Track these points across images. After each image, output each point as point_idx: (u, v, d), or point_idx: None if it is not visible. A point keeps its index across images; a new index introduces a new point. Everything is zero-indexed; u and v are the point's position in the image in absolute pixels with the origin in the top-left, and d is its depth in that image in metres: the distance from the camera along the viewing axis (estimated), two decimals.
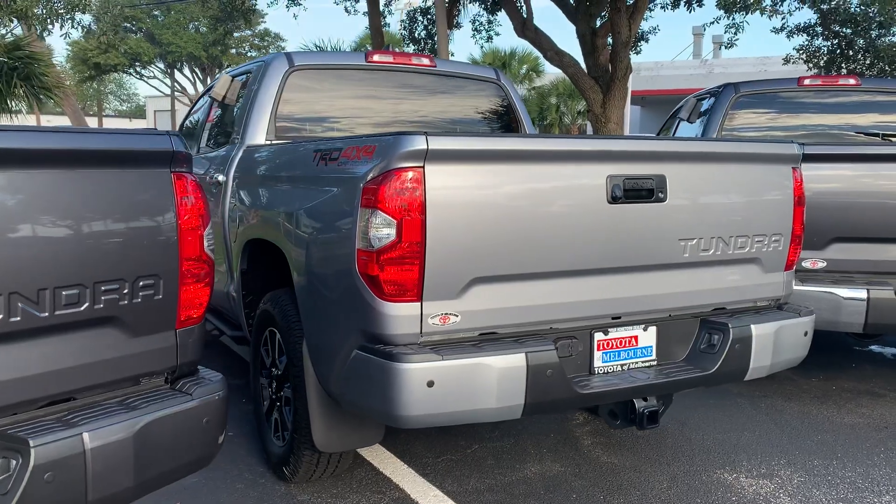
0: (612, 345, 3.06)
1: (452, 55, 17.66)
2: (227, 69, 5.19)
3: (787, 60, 15.74)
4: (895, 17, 13.40)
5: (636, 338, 3.11)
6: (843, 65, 14.82)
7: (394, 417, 2.65)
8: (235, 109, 4.55)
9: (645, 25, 17.12)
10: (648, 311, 3.10)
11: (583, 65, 13.88)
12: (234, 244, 3.95)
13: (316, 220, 3.04)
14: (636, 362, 3.12)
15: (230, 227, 4.03)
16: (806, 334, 3.37)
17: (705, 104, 6.18)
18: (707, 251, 3.13)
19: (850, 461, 3.75)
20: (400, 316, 2.62)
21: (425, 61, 4.78)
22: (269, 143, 4.10)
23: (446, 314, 2.68)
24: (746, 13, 13.41)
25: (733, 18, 13.93)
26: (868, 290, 4.06)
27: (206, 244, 2.30)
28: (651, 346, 3.14)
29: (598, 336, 3.03)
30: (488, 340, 2.76)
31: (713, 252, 3.15)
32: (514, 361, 2.68)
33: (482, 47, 17.63)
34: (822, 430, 4.16)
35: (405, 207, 2.56)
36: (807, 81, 5.87)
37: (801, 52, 15.51)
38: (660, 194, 2.98)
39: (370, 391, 2.69)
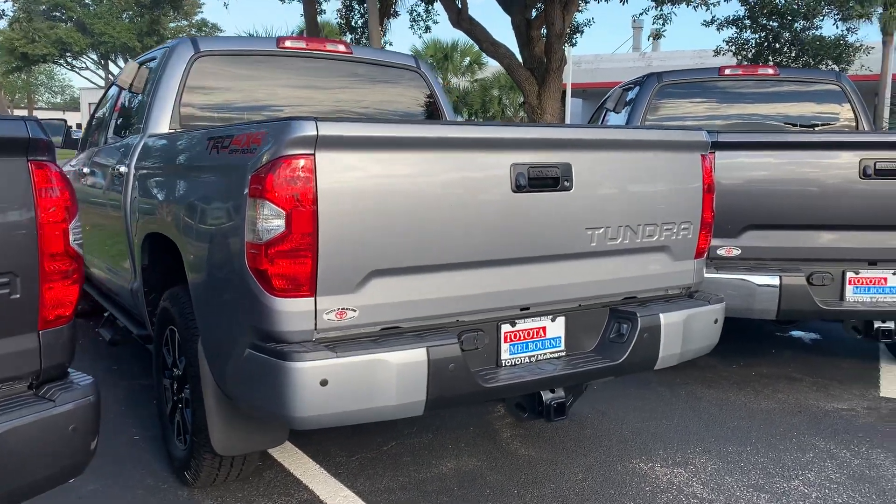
0: (520, 336, 3.00)
1: (390, 45, 17.48)
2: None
3: (717, 52, 16.07)
4: (818, 9, 13.79)
5: (544, 329, 3.04)
6: (770, 57, 15.19)
7: (288, 419, 2.53)
8: (141, 97, 4.34)
9: (581, 17, 17.26)
10: (556, 302, 3.04)
11: (519, 57, 13.89)
12: (136, 238, 3.76)
13: (206, 212, 2.89)
14: (544, 354, 3.05)
15: (132, 220, 3.83)
16: (716, 322, 3.36)
17: (630, 94, 6.20)
18: (615, 240, 3.08)
19: (764, 447, 3.78)
20: (292, 312, 2.50)
21: (341, 48, 4.64)
22: (171, 132, 3.92)
23: (343, 309, 2.57)
24: (674, 5, 13.61)
25: (661, 10, 14.12)
26: (781, 276, 4.10)
27: (72, 238, 2.14)
28: (560, 337, 3.08)
29: (506, 328, 2.95)
30: (389, 335, 2.66)
31: (621, 241, 3.10)
32: (414, 357, 2.59)
33: (421, 37, 17.41)
34: (739, 417, 4.19)
35: (295, 197, 2.43)
36: (727, 71, 5.95)
37: (730, 44, 15.84)
38: (565, 182, 2.90)
39: (263, 391, 2.56)
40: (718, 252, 4.14)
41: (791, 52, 15.09)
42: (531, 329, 3.01)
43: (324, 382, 2.45)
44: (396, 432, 3.93)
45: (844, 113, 5.88)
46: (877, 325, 4.08)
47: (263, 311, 2.51)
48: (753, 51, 15.44)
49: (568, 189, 2.91)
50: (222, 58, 4.24)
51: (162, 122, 3.96)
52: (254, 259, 2.51)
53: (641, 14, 14.61)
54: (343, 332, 2.59)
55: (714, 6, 13.86)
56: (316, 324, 2.53)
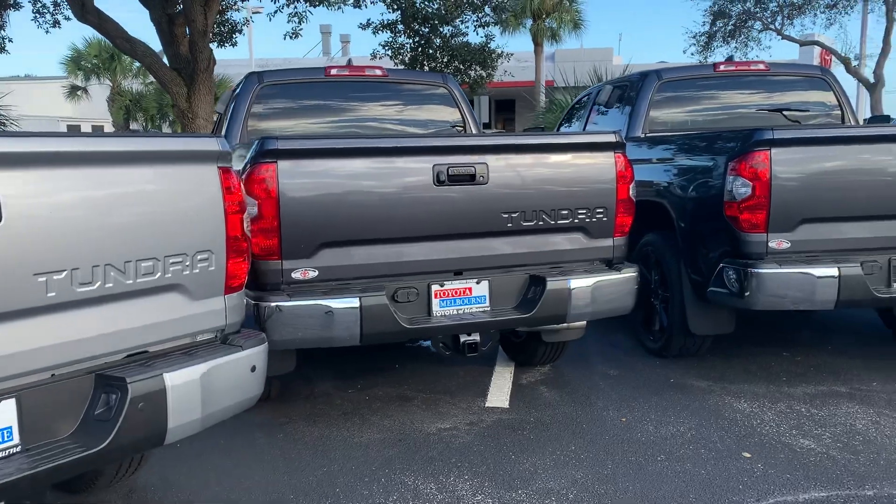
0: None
1: (10, 41, 14.92)
2: None
3: (374, 56, 16.19)
4: (455, 13, 14.46)
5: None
6: (425, 62, 15.68)
7: None
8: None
9: (239, 17, 16.35)
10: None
11: (165, 57, 12.59)
12: None
13: None
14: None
15: None
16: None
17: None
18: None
19: (346, 496, 3.30)
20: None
21: None
22: None
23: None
24: (309, 4, 13.33)
25: (295, 7, 13.76)
26: (360, 298, 3.67)
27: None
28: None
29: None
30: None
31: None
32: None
33: (48, 32, 15.05)
34: (333, 459, 3.69)
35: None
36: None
37: (386, 48, 16.06)
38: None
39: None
40: (293, 275, 3.59)
41: (443, 57, 15.72)
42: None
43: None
44: None
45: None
46: (463, 338, 3.86)
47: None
48: (410, 55, 15.82)
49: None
50: None
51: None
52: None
53: (276, 12, 14.11)
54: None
55: (355, 8, 13.83)
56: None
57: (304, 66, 15.59)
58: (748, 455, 3.61)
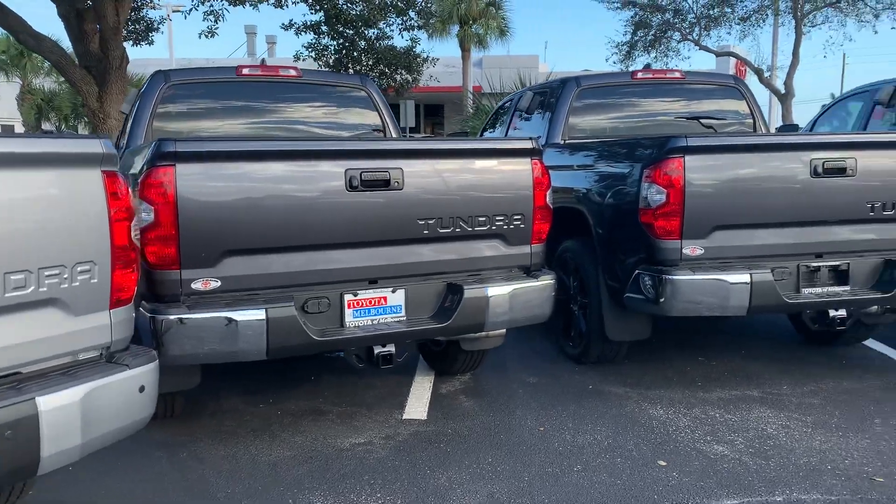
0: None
1: None
2: None
3: (297, 58, 15.87)
4: (378, 16, 14.31)
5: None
6: (349, 65, 15.45)
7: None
8: None
9: (157, 14, 15.78)
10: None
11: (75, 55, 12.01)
12: None
13: None
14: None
15: None
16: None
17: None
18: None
19: None
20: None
21: None
22: None
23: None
24: (227, 3, 12.97)
25: (211, 5, 13.37)
26: (267, 309, 3.49)
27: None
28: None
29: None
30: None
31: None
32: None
33: None
34: (238, 479, 3.49)
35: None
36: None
37: (310, 49, 15.76)
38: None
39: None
40: (194, 286, 3.38)
41: (368, 60, 15.53)
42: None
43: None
44: None
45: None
46: (377, 350, 3.72)
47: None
48: (334, 57, 15.56)
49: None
50: None
51: None
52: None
53: (190, 10, 13.68)
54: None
55: (277, 8, 13.48)
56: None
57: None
58: (664, 463, 3.59)
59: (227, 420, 4.26)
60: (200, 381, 3.94)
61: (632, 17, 21.86)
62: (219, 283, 3.35)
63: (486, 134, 7.79)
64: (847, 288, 4.43)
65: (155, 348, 3.13)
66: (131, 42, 14.89)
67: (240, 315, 3.27)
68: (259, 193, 3.36)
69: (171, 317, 3.19)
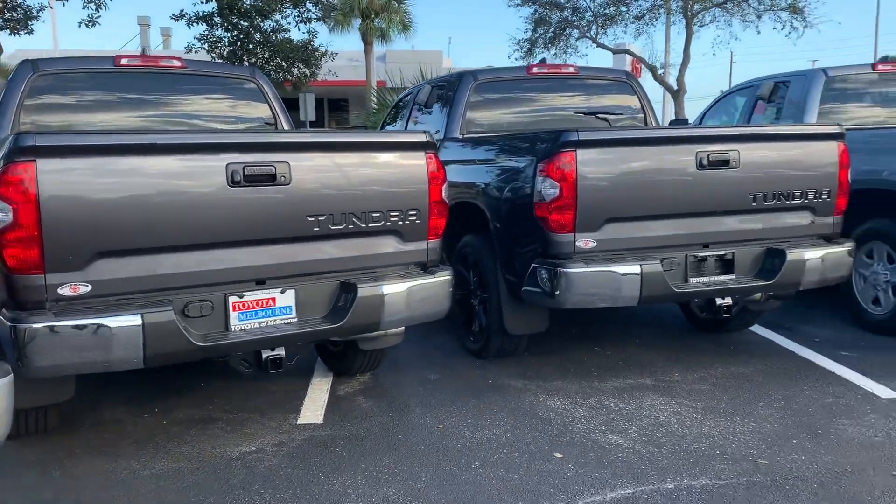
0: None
1: None
2: None
3: (189, 49, 15.26)
4: (273, 5, 13.92)
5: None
6: (244, 57, 14.98)
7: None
8: None
9: (35, 2, 14.80)
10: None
11: None
12: None
13: None
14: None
15: None
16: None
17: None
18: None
19: None
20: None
21: None
22: None
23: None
24: None
25: None
26: (143, 314, 3.28)
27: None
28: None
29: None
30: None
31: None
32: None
33: None
34: (116, 496, 3.28)
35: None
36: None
37: (202, 41, 15.18)
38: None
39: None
40: (61, 291, 3.13)
41: (264, 53, 15.10)
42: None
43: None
44: None
45: None
46: (265, 354, 3.56)
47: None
48: (228, 49, 15.04)
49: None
50: None
51: None
52: None
53: None
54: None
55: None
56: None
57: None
58: (560, 455, 3.60)
59: (107, 433, 4.00)
60: (76, 393, 3.69)
61: (532, 14, 22.22)
62: (89, 288, 3.11)
63: (388, 128, 7.68)
64: (732, 276, 4.58)
65: (17, 360, 2.88)
66: (8, 31, 13.93)
67: (113, 321, 3.04)
68: (132, 190, 3.14)
69: (35, 325, 2.94)
